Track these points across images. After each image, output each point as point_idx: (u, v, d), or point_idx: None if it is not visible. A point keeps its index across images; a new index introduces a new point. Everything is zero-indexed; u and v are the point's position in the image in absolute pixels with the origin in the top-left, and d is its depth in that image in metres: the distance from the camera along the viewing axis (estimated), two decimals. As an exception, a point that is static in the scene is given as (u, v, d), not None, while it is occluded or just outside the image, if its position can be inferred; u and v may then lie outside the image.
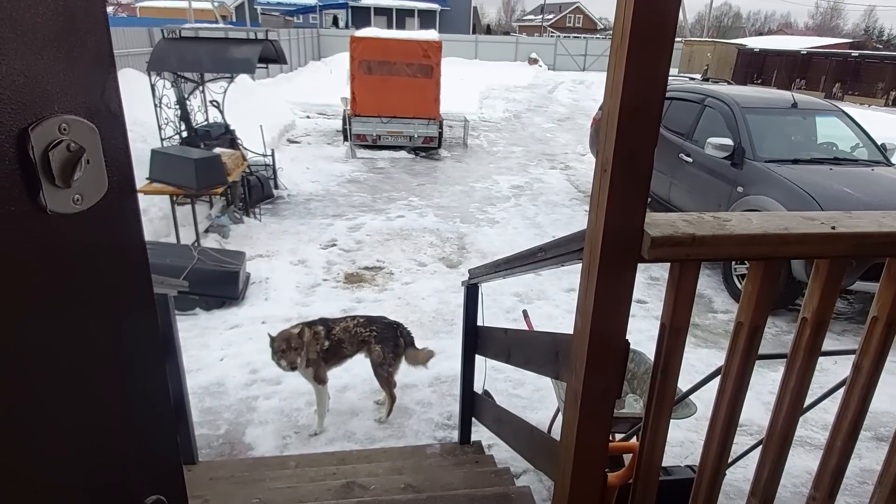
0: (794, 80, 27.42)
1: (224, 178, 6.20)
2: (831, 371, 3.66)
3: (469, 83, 20.36)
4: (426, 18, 35.93)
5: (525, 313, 3.75)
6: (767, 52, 30.62)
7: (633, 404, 2.65)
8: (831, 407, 1.47)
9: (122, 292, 0.71)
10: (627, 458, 1.95)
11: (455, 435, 3.46)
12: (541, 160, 11.64)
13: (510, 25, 68.95)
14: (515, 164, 11.22)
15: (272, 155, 8.40)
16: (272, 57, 7.82)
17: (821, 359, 1.32)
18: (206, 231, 6.53)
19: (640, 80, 0.90)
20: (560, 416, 2.76)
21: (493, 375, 3.94)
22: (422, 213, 7.94)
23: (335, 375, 3.78)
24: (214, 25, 19.53)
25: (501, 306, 5.36)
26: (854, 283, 4.66)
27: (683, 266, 1.10)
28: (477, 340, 2.86)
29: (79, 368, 0.67)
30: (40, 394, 0.63)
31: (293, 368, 3.29)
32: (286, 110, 13.93)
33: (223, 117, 8.23)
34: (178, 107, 7.60)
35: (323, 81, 18.80)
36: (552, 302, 5.48)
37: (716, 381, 1.34)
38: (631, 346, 1.27)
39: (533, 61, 32.54)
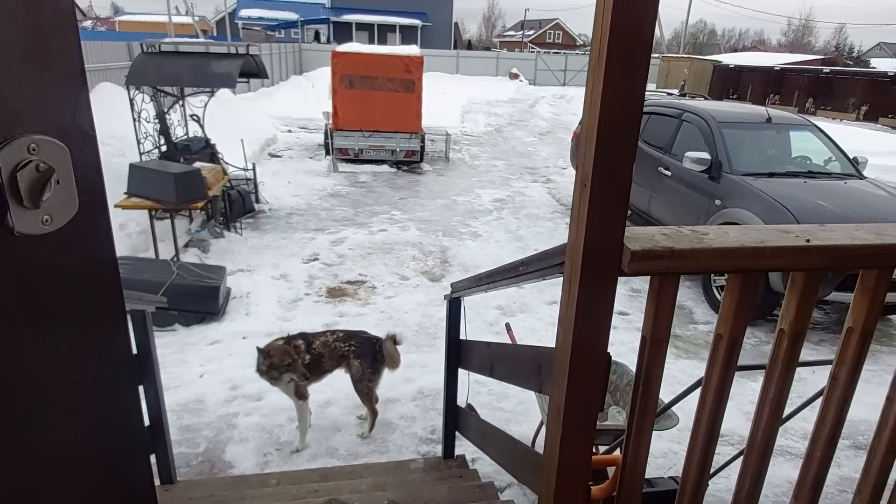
0: (769, 96, 28.03)
1: (204, 192, 6.15)
2: (809, 381, 3.71)
3: (451, 97, 20.50)
4: (408, 34, 36.20)
5: (508, 326, 3.76)
6: (742, 68, 31.32)
7: (615, 416, 2.66)
8: (811, 416, 1.49)
9: (92, 312, 0.70)
10: (611, 470, 1.95)
11: (439, 449, 3.44)
12: (522, 174, 11.73)
13: (491, 41, 69.69)
14: (497, 177, 11.29)
15: (253, 169, 8.36)
16: (253, 71, 7.81)
17: (799, 368, 1.34)
18: (186, 246, 6.45)
19: (617, 95, 0.92)
20: (543, 430, 2.76)
21: (476, 389, 3.93)
22: (404, 226, 7.94)
23: (317, 391, 3.74)
24: (195, 40, 19.46)
25: (484, 319, 5.36)
26: (830, 293, 4.74)
27: (663, 279, 1.12)
28: (460, 354, 2.86)
29: (48, 388, 0.66)
30: (7, 413, 0.62)
31: (304, 378, 3.29)
32: (268, 124, 13.88)
33: (203, 131, 8.18)
34: (157, 121, 7.53)
35: (305, 96, 18.80)
36: (535, 315, 5.50)
37: (697, 392, 1.35)
38: (613, 358, 1.28)
39: (514, 76, 32.89)
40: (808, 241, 1.08)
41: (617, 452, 2.14)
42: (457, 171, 11.71)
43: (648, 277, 1.15)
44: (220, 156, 8.14)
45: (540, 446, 1.87)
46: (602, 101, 0.90)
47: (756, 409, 1.35)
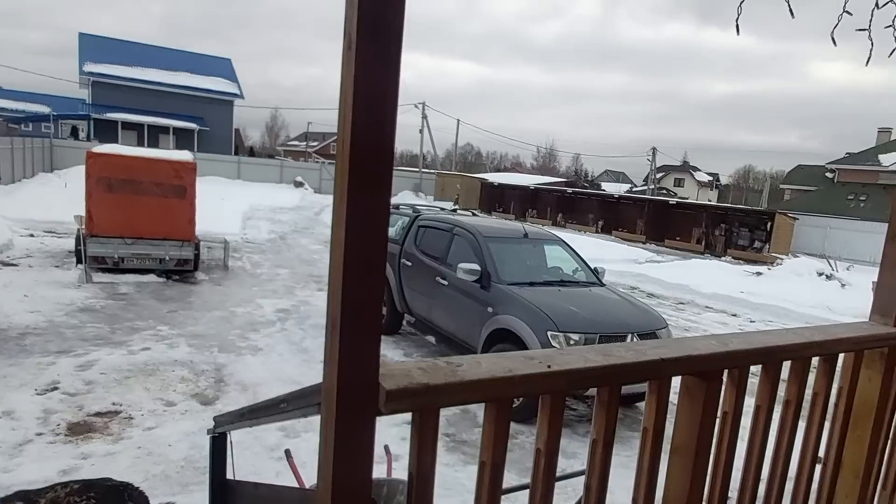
0: (528, 210, 32.26)
1: None
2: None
3: (231, 203, 19.82)
4: (184, 137, 34.75)
5: (288, 454, 3.45)
6: (504, 186, 35.80)
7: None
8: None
9: None
10: None
11: None
12: (308, 282, 11.53)
13: (275, 149, 70.16)
14: (281, 286, 10.93)
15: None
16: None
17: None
18: None
19: (363, 235, 0.90)
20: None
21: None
22: (172, 343, 7.14)
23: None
24: None
25: (264, 444, 4.91)
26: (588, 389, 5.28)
27: (423, 415, 1.09)
28: (226, 499, 2.51)
29: None
30: None
31: None
32: (2, 227, 11.86)
33: None
34: None
35: (55, 196, 16.61)
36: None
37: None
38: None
39: (298, 184, 33.23)
40: (549, 366, 1.15)
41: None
42: (236, 280, 11.09)
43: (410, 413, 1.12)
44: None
45: None
46: (346, 244, 0.88)
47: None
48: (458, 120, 48.46)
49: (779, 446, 1.89)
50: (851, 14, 1.58)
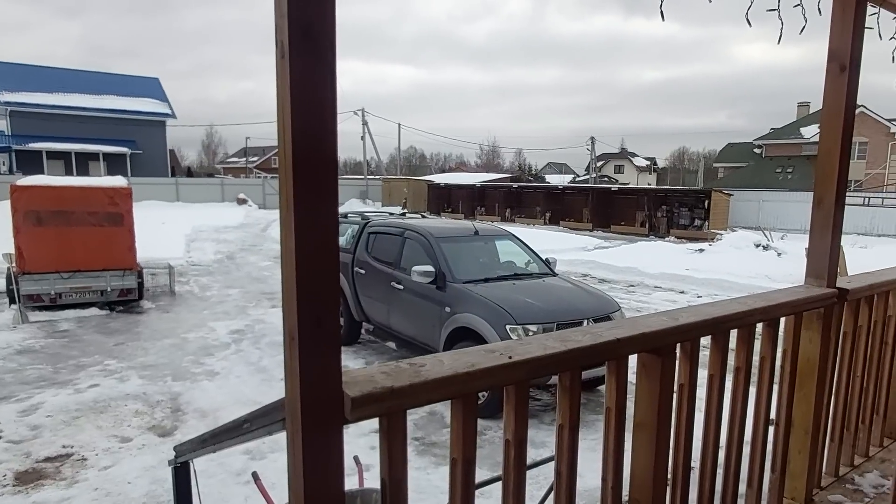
0: (476, 208, 32.51)
1: None
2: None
3: (173, 227, 19.21)
4: (115, 162, 33.40)
5: (255, 476, 3.37)
6: (451, 186, 35.98)
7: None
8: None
9: None
10: None
11: None
12: (260, 300, 11.28)
13: (214, 167, 68.35)
14: (233, 307, 10.65)
15: None
16: None
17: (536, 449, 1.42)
18: None
19: (313, 244, 0.90)
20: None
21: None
22: (122, 377, 6.86)
23: None
24: None
25: (230, 470, 4.77)
26: (550, 378, 5.38)
27: (390, 418, 1.09)
28: (194, 528, 2.44)
29: None
30: None
31: None
32: (-76, 274, 11.11)
33: None
34: None
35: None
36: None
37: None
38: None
39: (242, 201, 32.48)
40: (510, 357, 1.17)
41: None
42: (185, 305, 10.75)
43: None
44: None
45: None
46: (297, 252, 0.87)
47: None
48: (399, 124, 48.57)
49: (734, 412, 1.97)
50: (763, -5, 1.67)
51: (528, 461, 1.44)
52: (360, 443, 4.50)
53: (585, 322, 5.79)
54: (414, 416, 5.59)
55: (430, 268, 6.45)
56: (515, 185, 34.40)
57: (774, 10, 1.68)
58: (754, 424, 2.12)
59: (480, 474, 1.57)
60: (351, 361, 7.52)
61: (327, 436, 0.99)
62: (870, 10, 2.16)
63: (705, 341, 1.86)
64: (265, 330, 9.08)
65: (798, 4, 1.71)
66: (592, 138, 47.75)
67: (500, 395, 1.31)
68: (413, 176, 49.63)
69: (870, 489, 2.52)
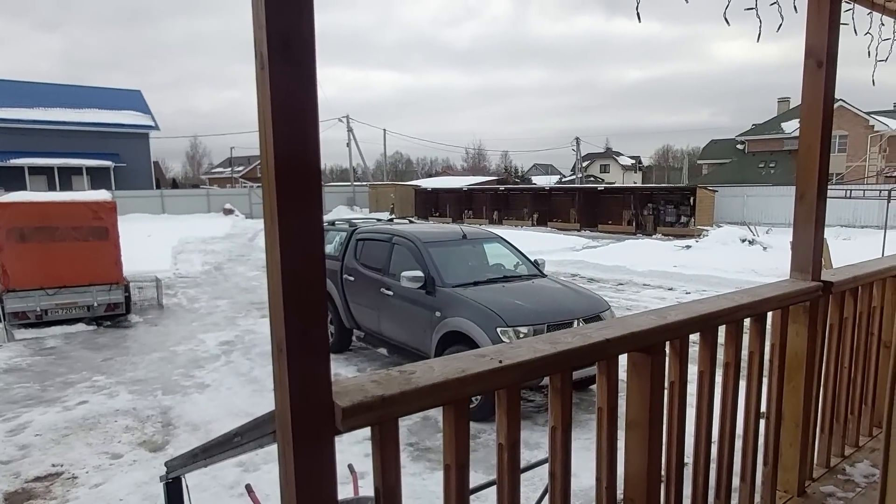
0: (464, 211, 32.55)
1: None
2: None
3: (159, 239, 19.04)
4: (99, 176, 33.04)
5: (249, 488, 3.35)
6: (438, 190, 36.02)
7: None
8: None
9: None
10: None
11: None
12: (249, 310, 11.21)
13: (199, 178, 67.90)
14: (222, 318, 10.57)
15: None
16: None
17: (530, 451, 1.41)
18: None
19: (299, 253, 0.89)
20: None
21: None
22: (111, 393, 6.78)
23: None
24: None
25: (223, 482, 4.73)
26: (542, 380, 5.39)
27: (382, 427, 1.08)
28: (188, 544, 2.41)
29: None
30: None
31: None
32: None
33: None
34: None
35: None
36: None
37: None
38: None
39: (228, 211, 32.31)
40: (500, 361, 1.17)
41: None
42: (173, 317, 10.65)
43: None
44: None
45: None
46: (282, 262, 0.86)
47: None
48: (385, 130, 48.52)
49: (724, 407, 1.98)
50: (740, -6, 1.69)
51: (523, 464, 1.44)
52: (355, 450, 4.47)
53: (576, 322, 5.81)
54: (408, 421, 5.57)
55: (419, 273, 6.45)
56: (502, 187, 34.50)
57: (752, 8, 1.70)
58: (745, 419, 2.14)
59: (475, 478, 1.57)
60: (343, 369, 7.49)
61: (319, 447, 0.98)
62: (844, 6, 2.19)
63: (694, 338, 1.88)
64: (255, 340, 9.02)
65: (774, 2, 1.73)
66: (577, 139, 48.02)
67: (492, 400, 1.31)
68: (400, 181, 49.62)
69: (861, 479, 2.54)
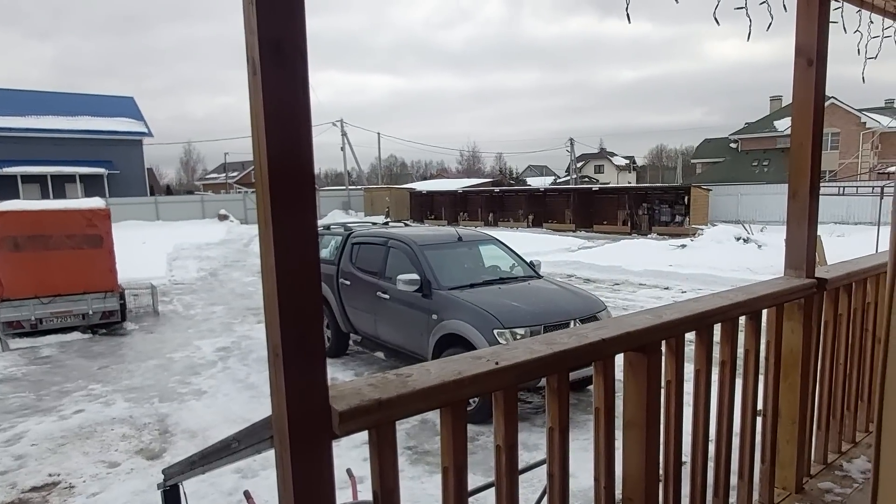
0: (459, 214, 32.55)
1: None
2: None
3: (154, 246, 18.98)
4: (93, 183, 32.92)
5: (247, 494, 3.33)
6: (433, 193, 36.01)
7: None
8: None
9: None
10: None
11: None
12: (246, 316, 11.18)
13: (193, 184, 67.73)
14: (218, 324, 10.54)
15: None
16: None
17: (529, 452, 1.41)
18: None
19: (293, 258, 0.89)
20: None
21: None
22: (108, 401, 6.75)
23: None
24: None
25: (221, 489, 4.71)
26: (540, 381, 5.39)
27: (379, 430, 1.08)
28: (186, 551, 2.40)
29: None
30: None
31: None
32: None
33: None
34: None
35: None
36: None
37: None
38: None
39: (223, 217, 32.22)
40: (497, 363, 1.17)
41: None
42: (169, 324, 10.62)
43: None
44: None
45: None
46: (277, 267, 0.86)
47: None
48: (379, 133, 48.50)
49: (721, 405, 1.99)
50: (729, -6, 1.70)
51: (521, 465, 1.44)
52: (353, 455, 4.47)
53: (572, 323, 5.82)
54: (406, 424, 5.56)
55: (415, 276, 6.44)
56: (497, 189, 34.51)
57: (742, 7, 1.71)
58: (742, 417, 2.15)
59: (474, 480, 1.57)
60: (340, 373, 7.47)
61: (316, 451, 0.98)
62: (833, 4, 2.21)
63: (690, 337, 1.88)
64: (252, 346, 8.99)
65: (764, 2, 1.74)
66: (572, 139, 48.13)
67: (489, 402, 1.31)
68: (394, 185, 49.62)
69: (858, 474, 2.55)
